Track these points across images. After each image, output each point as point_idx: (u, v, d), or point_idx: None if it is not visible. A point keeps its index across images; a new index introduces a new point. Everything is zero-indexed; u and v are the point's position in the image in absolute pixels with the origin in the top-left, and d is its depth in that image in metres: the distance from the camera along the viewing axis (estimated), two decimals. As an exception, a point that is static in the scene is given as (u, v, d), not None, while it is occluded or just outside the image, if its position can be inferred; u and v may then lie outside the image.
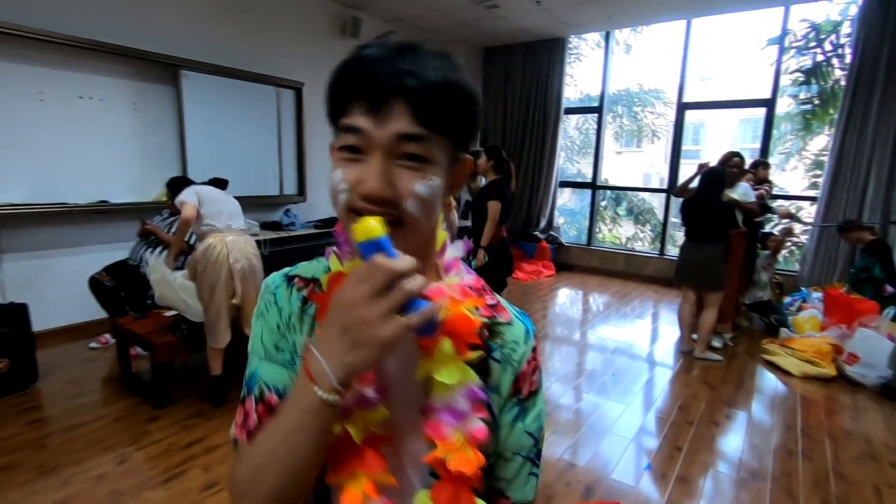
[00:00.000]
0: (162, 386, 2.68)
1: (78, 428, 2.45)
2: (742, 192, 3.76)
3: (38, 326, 3.03)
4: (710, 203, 3.46)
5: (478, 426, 0.54)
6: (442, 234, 0.61)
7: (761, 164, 4.55)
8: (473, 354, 0.54)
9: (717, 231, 3.48)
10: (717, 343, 3.85)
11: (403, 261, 0.44)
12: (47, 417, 2.56)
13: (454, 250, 0.62)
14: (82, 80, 3.48)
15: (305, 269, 0.63)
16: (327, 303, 0.48)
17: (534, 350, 0.62)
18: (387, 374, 0.55)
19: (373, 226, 0.45)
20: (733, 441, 2.58)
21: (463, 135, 0.53)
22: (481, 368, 0.57)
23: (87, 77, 3.49)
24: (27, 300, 2.95)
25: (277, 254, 4.60)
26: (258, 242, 4.34)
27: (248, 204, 4.68)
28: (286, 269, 0.63)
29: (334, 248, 0.59)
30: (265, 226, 4.69)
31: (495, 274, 3.56)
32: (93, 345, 3.49)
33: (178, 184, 3.51)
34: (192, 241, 3.44)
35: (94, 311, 3.50)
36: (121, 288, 3.36)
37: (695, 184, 3.68)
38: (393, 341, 0.44)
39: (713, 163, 4.24)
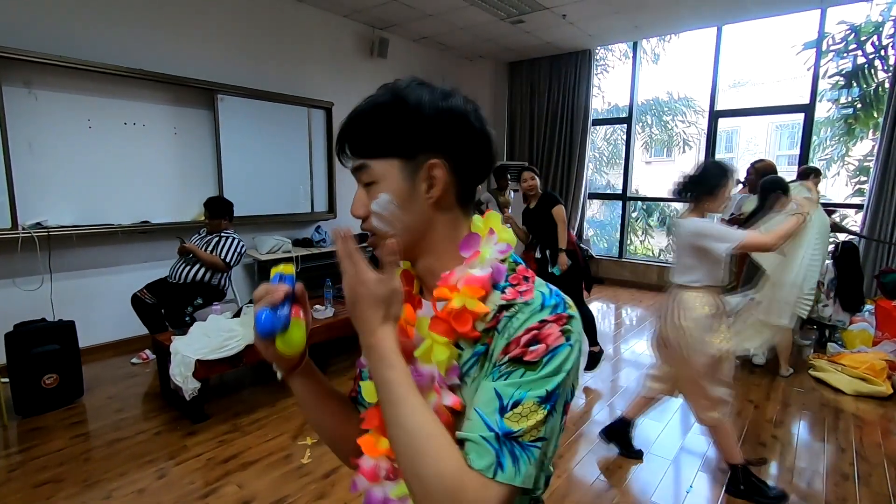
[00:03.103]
0: (198, 402, 2.73)
1: (120, 442, 2.53)
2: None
3: (83, 342, 3.16)
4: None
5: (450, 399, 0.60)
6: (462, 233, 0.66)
7: (812, 171, 4.19)
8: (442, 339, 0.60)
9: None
10: (759, 361, 3.68)
11: (258, 289, 0.63)
12: (92, 431, 2.65)
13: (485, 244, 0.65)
14: (127, 107, 3.66)
15: None
16: None
17: (542, 321, 0.56)
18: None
19: (286, 266, 0.66)
20: (782, 463, 2.45)
21: (407, 145, 0.60)
22: (487, 347, 0.59)
23: (131, 104, 3.67)
24: (74, 317, 3.08)
25: (309, 270, 4.68)
26: (293, 259, 4.46)
27: (281, 221, 4.81)
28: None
29: None
30: (297, 242, 4.78)
31: (575, 277, 3.56)
32: (134, 360, 3.60)
33: (214, 204, 3.65)
34: (230, 261, 3.54)
35: (135, 327, 3.62)
36: (161, 305, 3.47)
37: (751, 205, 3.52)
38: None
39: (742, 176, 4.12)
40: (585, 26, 5.37)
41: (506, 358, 0.55)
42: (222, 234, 3.63)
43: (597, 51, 6.44)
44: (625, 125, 6.46)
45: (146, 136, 3.79)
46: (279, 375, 0.68)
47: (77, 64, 3.29)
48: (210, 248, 3.55)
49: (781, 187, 2.94)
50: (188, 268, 3.52)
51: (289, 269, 0.65)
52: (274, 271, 0.65)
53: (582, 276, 3.69)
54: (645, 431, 2.73)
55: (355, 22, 5.23)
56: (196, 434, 2.61)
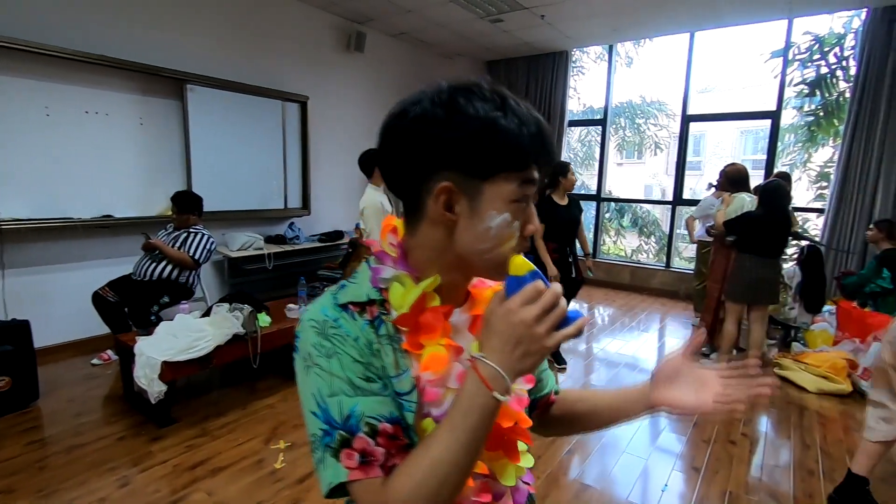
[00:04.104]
0: (164, 405, 2.61)
1: (79, 448, 2.39)
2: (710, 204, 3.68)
3: (39, 342, 2.98)
4: (783, 216, 3.37)
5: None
6: None
7: (786, 177, 4.27)
8: None
9: (784, 244, 3.43)
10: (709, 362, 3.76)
11: (558, 287, 0.54)
12: (48, 437, 2.50)
13: None
14: (88, 95, 3.47)
15: (351, 293, 0.62)
16: (417, 323, 0.60)
17: None
18: None
19: (526, 261, 0.56)
20: (752, 460, 2.51)
21: None
22: None
23: (93, 91, 3.49)
24: (29, 316, 2.90)
25: (282, 267, 4.57)
26: (263, 256, 4.33)
27: (253, 218, 4.68)
28: (327, 300, 0.61)
29: (393, 271, 0.62)
30: (269, 239, 4.66)
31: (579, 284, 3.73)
32: (95, 361, 3.43)
33: (183, 198, 3.51)
34: (199, 258, 3.41)
35: (96, 326, 3.45)
36: (124, 303, 3.31)
37: (731, 207, 3.58)
38: (554, 350, 0.55)
39: (714, 179, 4.22)
40: (563, 28, 5.40)
41: None
42: (191, 230, 3.49)
43: (573, 52, 6.50)
44: (599, 127, 6.55)
45: (109, 126, 3.60)
46: (504, 397, 0.55)
47: (33, 47, 3.10)
48: (178, 245, 3.41)
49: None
50: (154, 265, 3.37)
51: (529, 264, 0.57)
52: (522, 267, 0.56)
53: (581, 283, 3.75)
54: (620, 430, 2.76)
55: (332, 15, 5.12)
56: (162, 439, 2.50)
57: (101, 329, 3.45)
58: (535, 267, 0.56)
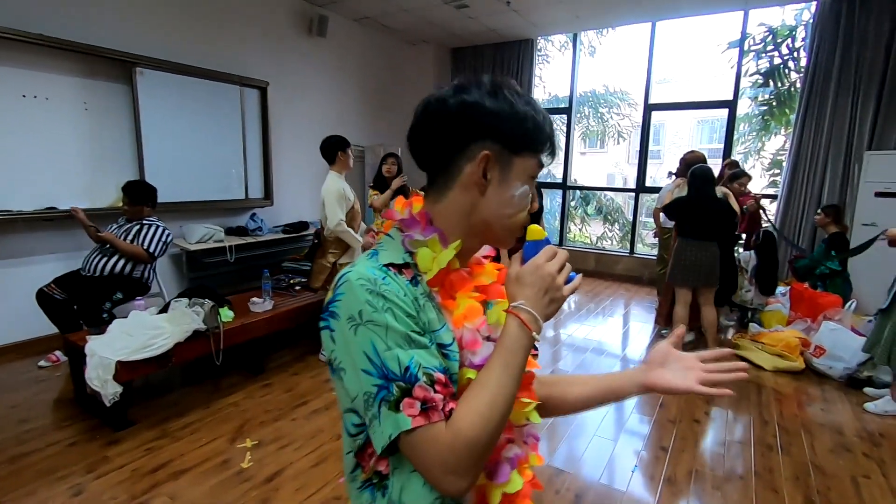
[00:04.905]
0: (120, 407, 2.47)
1: (26, 457, 2.24)
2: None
3: (-22, 346, 2.77)
4: (711, 200, 3.42)
5: None
6: None
7: (733, 165, 4.48)
8: None
9: (720, 228, 3.47)
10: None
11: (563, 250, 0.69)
12: (-10, 446, 2.33)
13: None
14: (25, 77, 3.22)
15: (388, 256, 0.67)
16: (448, 281, 0.69)
17: None
18: None
19: (542, 229, 0.72)
20: (715, 438, 2.61)
21: None
22: None
23: (30, 74, 3.23)
24: (-35, 317, 2.69)
25: (244, 260, 4.41)
26: (223, 249, 4.16)
27: (212, 209, 4.48)
28: (368, 262, 0.65)
29: (422, 236, 0.68)
30: (230, 231, 4.47)
31: None
32: (42, 363, 3.22)
33: (135, 188, 3.32)
34: (154, 251, 3.23)
35: (42, 326, 3.23)
36: (73, 301, 3.11)
37: (682, 191, 3.66)
38: (566, 299, 0.68)
39: (674, 167, 4.32)
40: (528, 15, 5.38)
41: None
42: (144, 222, 3.30)
43: (538, 41, 6.50)
44: (565, 115, 6.59)
45: (50, 112, 3.35)
46: (538, 336, 0.68)
47: (-40, 24, 2.84)
48: (130, 237, 3.22)
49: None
50: (105, 259, 3.18)
51: (544, 232, 0.71)
52: (539, 234, 0.72)
53: None
54: (590, 414, 2.80)
55: (291, -4, 4.93)
56: (119, 443, 2.37)
57: (48, 329, 3.24)
58: (547, 234, 0.75)
